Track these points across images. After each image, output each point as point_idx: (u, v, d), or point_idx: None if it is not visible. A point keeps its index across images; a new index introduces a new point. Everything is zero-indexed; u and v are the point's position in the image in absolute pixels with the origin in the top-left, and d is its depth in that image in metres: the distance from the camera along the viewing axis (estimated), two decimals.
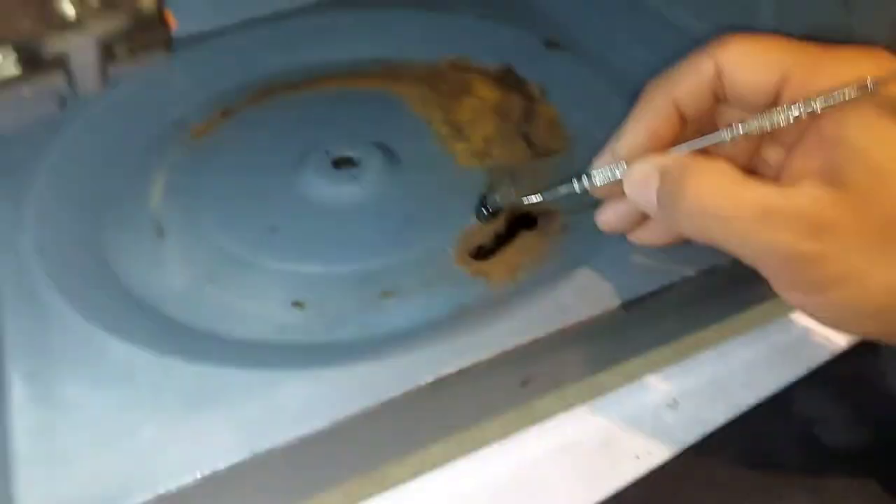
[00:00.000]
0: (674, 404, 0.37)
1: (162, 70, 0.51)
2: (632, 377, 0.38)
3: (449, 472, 0.35)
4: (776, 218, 0.26)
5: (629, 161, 0.32)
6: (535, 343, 0.33)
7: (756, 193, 0.27)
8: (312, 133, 0.48)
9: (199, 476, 0.29)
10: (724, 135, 0.30)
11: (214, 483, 0.29)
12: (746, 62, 0.30)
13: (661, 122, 0.31)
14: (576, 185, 0.34)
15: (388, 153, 0.45)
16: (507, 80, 0.51)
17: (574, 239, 0.39)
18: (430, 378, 0.32)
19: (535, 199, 0.37)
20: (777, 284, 0.29)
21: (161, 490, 0.28)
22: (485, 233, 0.40)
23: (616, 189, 0.32)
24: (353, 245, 0.41)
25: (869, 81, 0.26)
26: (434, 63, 0.53)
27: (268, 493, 0.32)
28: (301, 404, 0.31)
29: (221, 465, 0.29)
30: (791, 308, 0.40)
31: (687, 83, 0.31)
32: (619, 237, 0.36)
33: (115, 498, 0.28)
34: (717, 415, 0.36)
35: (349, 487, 0.35)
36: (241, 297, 0.38)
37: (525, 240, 0.40)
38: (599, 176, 0.33)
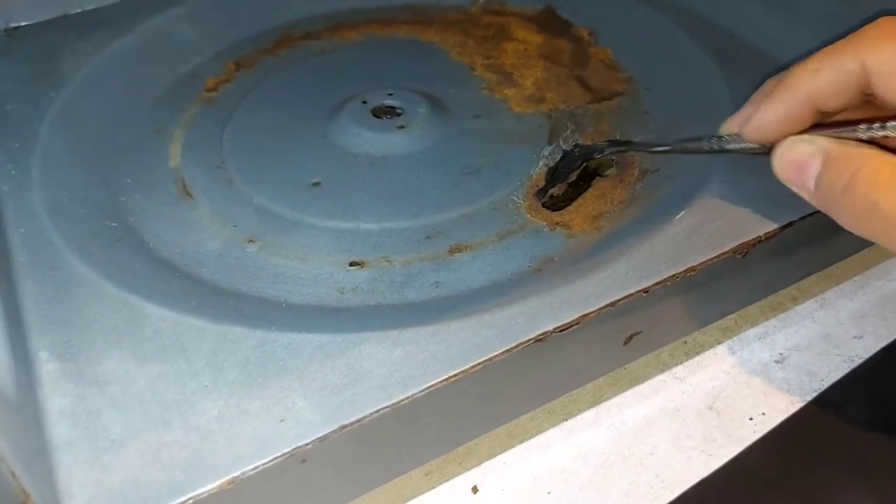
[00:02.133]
0: (781, 360, 0.33)
1: (166, 20, 0.46)
2: (728, 332, 0.34)
3: (541, 443, 0.31)
4: None
5: (761, 142, 0.29)
6: (645, 294, 0.29)
7: None
8: (343, 83, 0.43)
9: (279, 454, 0.24)
10: (877, 131, 0.26)
11: (297, 463, 0.25)
12: None
13: (798, 109, 0.28)
14: (705, 145, 0.31)
15: (434, 101, 0.41)
16: (550, 22, 0.47)
17: (656, 184, 0.35)
18: (532, 335, 0.28)
19: (661, 149, 0.33)
20: None
21: (236, 472, 0.24)
22: (557, 182, 0.36)
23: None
24: (408, 199, 0.36)
25: None
26: (466, 7, 0.49)
27: (349, 474, 0.27)
28: (388, 369, 0.26)
29: (305, 441, 0.25)
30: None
31: (829, 82, 0.27)
32: (708, 183, 0.33)
33: (182, 485, 0.24)
34: (829, 369, 0.33)
35: (434, 465, 0.30)
36: (289, 258, 0.33)
37: (602, 187, 0.36)
38: (732, 143, 0.30)
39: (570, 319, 0.28)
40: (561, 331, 0.28)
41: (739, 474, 0.30)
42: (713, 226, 0.31)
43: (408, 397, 0.26)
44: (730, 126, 0.30)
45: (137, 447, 0.25)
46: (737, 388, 0.33)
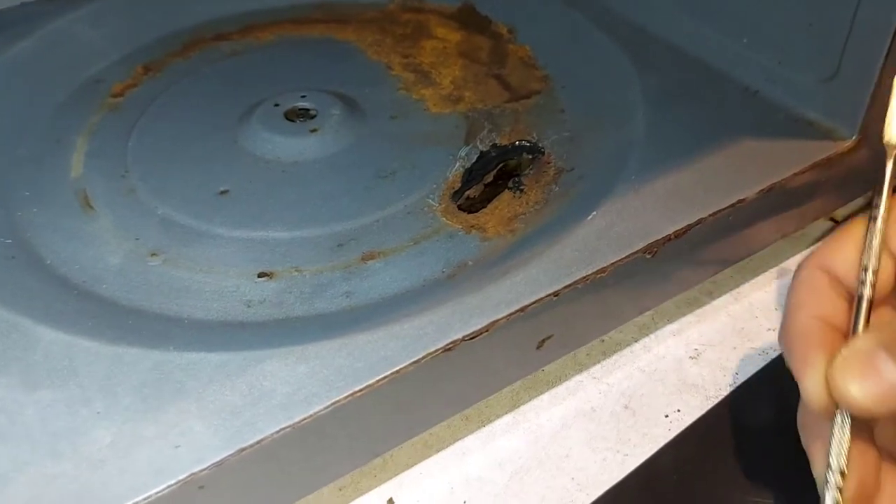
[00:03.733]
0: (696, 356, 0.34)
1: (69, 22, 0.44)
2: (644, 330, 0.35)
3: (457, 451, 0.31)
4: None
5: None
6: (555, 297, 0.29)
7: None
8: (255, 85, 0.42)
9: (174, 482, 0.23)
10: None
11: (194, 489, 0.24)
12: None
13: None
14: None
15: (349, 102, 0.40)
16: (470, 19, 0.46)
17: (570, 183, 0.35)
18: (441, 344, 0.27)
19: None
20: None
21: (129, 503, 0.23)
22: (473, 184, 0.36)
23: None
24: (320, 205, 0.35)
25: None
26: (384, 4, 0.48)
27: (254, 497, 0.26)
28: (291, 387, 0.26)
29: (201, 466, 0.24)
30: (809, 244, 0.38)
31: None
32: (620, 182, 0.32)
33: None
34: (744, 363, 0.33)
35: (348, 479, 0.30)
36: (193, 271, 0.32)
37: (518, 189, 0.35)
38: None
39: (479, 327, 0.28)
40: (470, 338, 0.27)
41: (652, 476, 0.30)
42: (624, 226, 0.31)
43: (311, 415, 0.25)
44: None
45: (25, 481, 0.23)
46: (652, 386, 0.33)
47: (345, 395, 0.25)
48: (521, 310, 0.28)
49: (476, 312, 0.28)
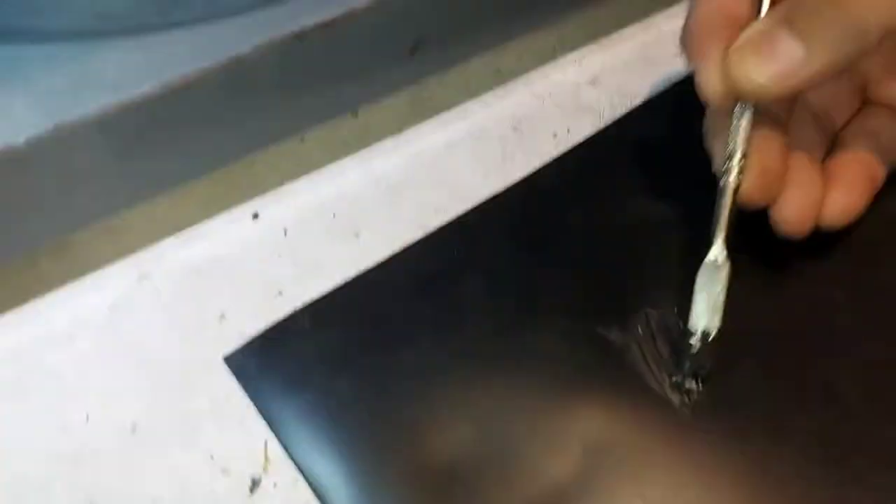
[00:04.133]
0: (595, 81, 0.32)
1: None
2: (543, 58, 0.32)
3: (334, 170, 0.29)
4: None
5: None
6: None
7: None
8: None
9: None
10: None
11: (14, 167, 0.23)
12: None
13: None
14: None
15: None
16: None
17: None
18: (290, 30, 0.25)
19: None
20: None
21: None
22: None
23: None
24: None
25: None
26: None
27: (96, 186, 0.25)
28: (123, 71, 0.24)
29: (19, 139, 0.22)
30: None
31: None
32: None
33: None
34: (646, 88, 0.31)
35: (213, 196, 0.28)
36: None
37: None
38: None
39: (333, 16, 0.26)
40: (323, 26, 0.25)
41: (534, 187, 0.29)
42: None
43: (140, 95, 0.23)
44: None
45: None
46: (545, 110, 0.31)
47: (177, 76, 0.24)
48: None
49: (333, 2, 0.26)
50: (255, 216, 0.28)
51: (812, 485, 0.22)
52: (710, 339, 0.24)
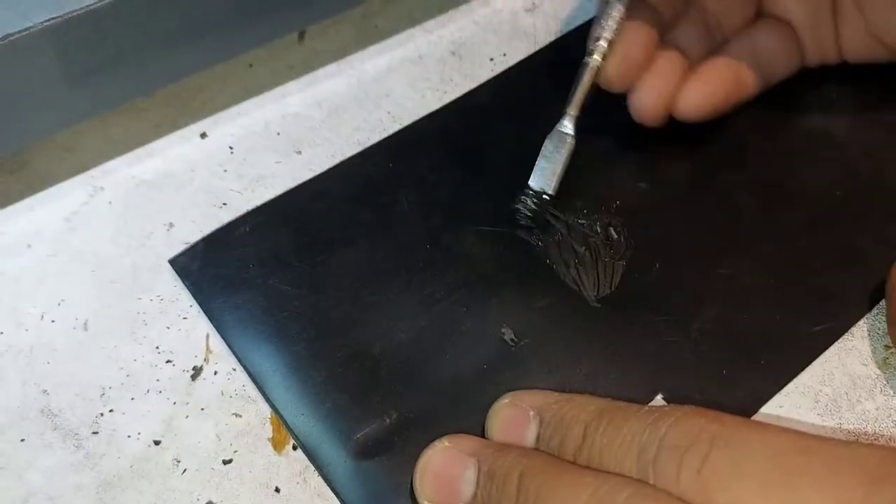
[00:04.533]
0: (532, 8, 0.33)
1: None
2: None
3: (278, 93, 0.30)
4: None
5: None
6: None
7: None
8: None
9: None
10: None
11: None
12: None
13: None
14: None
15: None
16: None
17: None
18: None
19: None
20: None
21: None
22: None
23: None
24: None
25: None
26: None
27: (42, 102, 0.26)
28: None
29: None
30: None
31: None
32: None
33: None
34: (580, 14, 0.32)
35: (164, 118, 0.30)
36: None
37: None
38: None
39: None
40: None
41: (466, 107, 0.30)
42: None
43: (83, 7, 0.24)
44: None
45: None
46: (483, 36, 0.32)
47: None
48: None
49: None
50: (203, 135, 0.30)
51: (706, 365, 0.24)
52: (542, 198, 0.26)
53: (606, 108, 0.29)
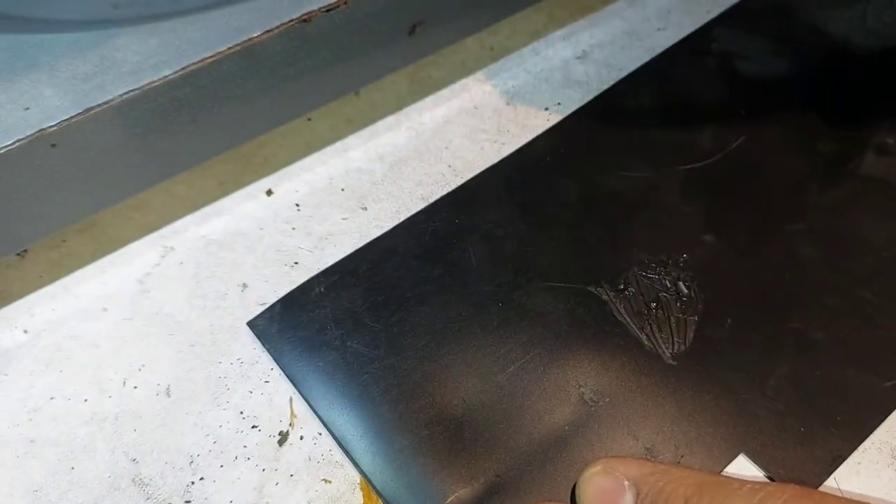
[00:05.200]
0: (583, 56, 0.33)
1: None
2: (535, 35, 0.34)
3: (340, 147, 0.31)
4: None
5: None
6: None
7: None
8: None
9: (23, 137, 0.24)
10: None
11: (46, 147, 0.24)
12: None
13: None
14: None
15: None
16: None
17: None
18: (297, 14, 0.27)
19: None
20: None
21: None
22: None
23: None
24: None
25: None
26: None
27: (119, 167, 0.27)
28: (142, 57, 0.26)
29: (50, 123, 0.24)
30: None
31: None
32: None
33: None
34: (631, 60, 0.33)
35: (229, 176, 0.30)
36: None
37: None
38: None
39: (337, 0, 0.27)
40: (327, 10, 0.27)
41: (526, 159, 0.30)
42: None
43: (160, 79, 0.25)
44: None
45: None
46: (536, 85, 0.33)
47: (194, 60, 0.25)
48: None
49: None
50: (269, 192, 0.30)
51: (784, 422, 0.24)
52: None
53: (663, 162, 0.30)
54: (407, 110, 0.32)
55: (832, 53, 0.33)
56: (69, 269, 0.28)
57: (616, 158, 0.30)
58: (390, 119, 0.32)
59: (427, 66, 0.33)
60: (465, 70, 0.33)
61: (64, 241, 0.28)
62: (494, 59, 0.33)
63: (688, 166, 0.30)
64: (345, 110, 0.32)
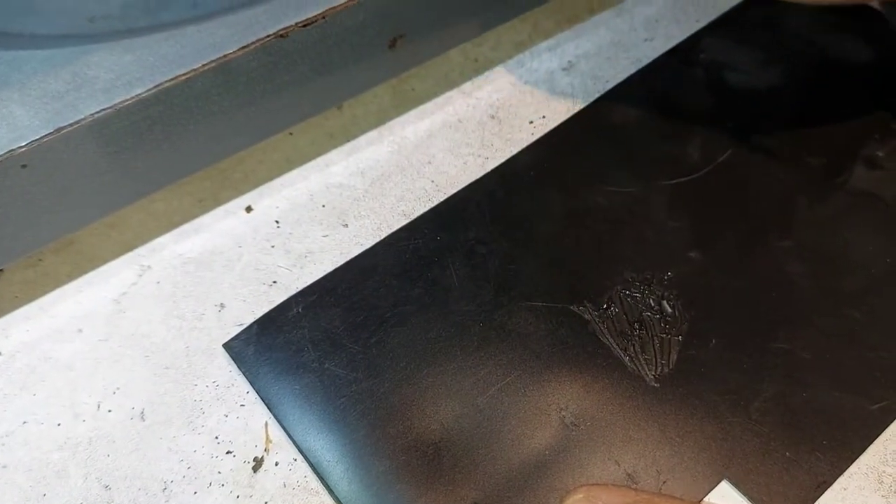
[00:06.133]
0: (569, 67, 0.33)
1: None
2: (520, 46, 0.33)
3: (321, 162, 0.31)
4: None
5: None
6: None
7: None
8: None
9: None
10: None
11: (17, 168, 0.24)
12: None
13: None
14: None
15: None
16: None
17: None
18: (273, 30, 0.26)
19: None
20: None
21: None
22: None
23: None
24: None
25: None
26: None
27: (93, 187, 0.26)
28: (116, 74, 0.25)
29: (20, 144, 0.24)
30: None
31: None
32: None
33: None
34: (617, 72, 0.32)
35: (207, 193, 0.30)
36: None
37: None
38: None
39: (315, 13, 0.27)
40: (304, 25, 0.26)
41: (509, 175, 0.30)
42: None
43: (133, 97, 0.25)
44: None
45: None
46: (521, 97, 0.32)
47: (167, 78, 0.25)
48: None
49: (312, 2, 0.27)
50: (249, 209, 0.29)
51: (769, 447, 0.24)
52: None
53: (650, 176, 0.29)
54: (390, 124, 0.32)
55: (821, 64, 0.33)
56: (45, 289, 0.28)
57: (602, 172, 0.30)
58: (372, 133, 0.31)
59: (410, 79, 0.32)
60: (448, 82, 0.33)
61: (40, 260, 0.28)
62: (479, 70, 0.33)
63: (674, 180, 0.29)
64: (326, 125, 0.31)
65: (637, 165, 0.30)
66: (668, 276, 0.27)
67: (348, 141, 0.31)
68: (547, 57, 0.33)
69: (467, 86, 0.33)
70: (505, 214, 0.29)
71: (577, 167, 0.30)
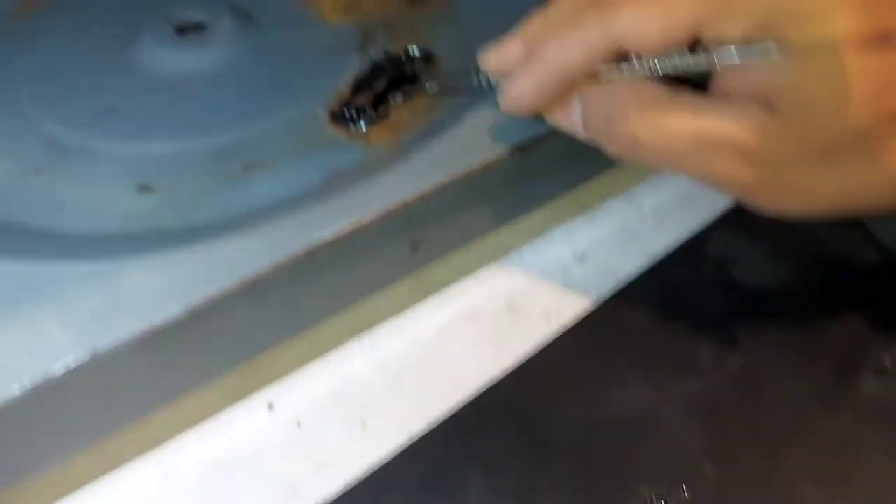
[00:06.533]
0: (582, 258, 0.34)
1: None
2: (533, 234, 0.35)
3: (341, 355, 0.31)
4: (711, 148, 0.24)
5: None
6: (421, 199, 0.29)
7: (688, 121, 0.24)
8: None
9: (28, 385, 0.24)
10: (637, 69, 0.25)
11: (51, 392, 0.24)
12: (649, 28, 0.24)
13: (551, 84, 0.27)
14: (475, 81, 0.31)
15: (240, 13, 0.39)
16: None
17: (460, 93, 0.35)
18: (301, 247, 0.27)
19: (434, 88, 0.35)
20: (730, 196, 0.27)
21: None
22: (362, 94, 0.35)
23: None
24: (205, 118, 0.35)
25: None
26: None
27: (122, 398, 0.27)
28: (149, 292, 0.26)
29: (56, 368, 0.24)
30: None
31: (580, 59, 0.26)
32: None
33: None
34: (628, 264, 0.34)
35: (223, 385, 0.30)
36: (75, 186, 0.32)
37: (407, 98, 0.35)
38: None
39: (344, 230, 0.28)
40: (333, 243, 0.28)
41: (525, 379, 0.31)
42: (496, 129, 0.31)
43: (168, 318, 0.25)
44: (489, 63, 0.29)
45: None
46: (535, 287, 0.33)
47: (200, 296, 0.26)
48: (387, 212, 0.28)
49: (344, 213, 0.28)
50: (270, 406, 0.30)
51: None
52: None
53: (662, 381, 0.30)
54: (407, 314, 0.32)
55: (830, 264, 0.34)
56: (64, 493, 0.28)
57: (616, 376, 0.30)
58: (390, 324, 0.32)
59: (428, 273, 0.33)
60: (465, 270, 0.34)
61: (71, 463, 0.28)
62: (493, 256, 0.34)
63: (686, 385, 0.30)
64: (346, 317, 0.32)
65: (650, 369, 0.30)
66: (683, 492, 0.27)
67: (366, 331, 0.32)
68: (560, 245, 0.34)
69: (483, 273, 0.34)
70: (521, 421, 0.29)
71: (592, 371, 0.31)
